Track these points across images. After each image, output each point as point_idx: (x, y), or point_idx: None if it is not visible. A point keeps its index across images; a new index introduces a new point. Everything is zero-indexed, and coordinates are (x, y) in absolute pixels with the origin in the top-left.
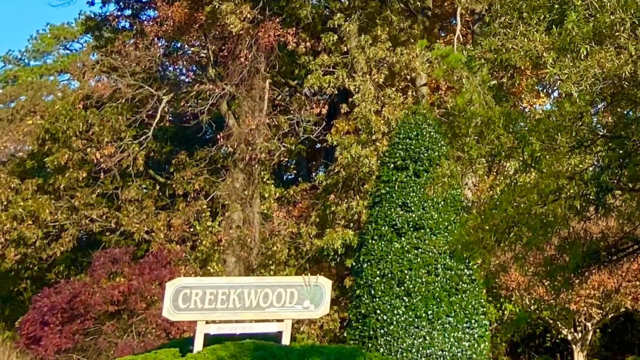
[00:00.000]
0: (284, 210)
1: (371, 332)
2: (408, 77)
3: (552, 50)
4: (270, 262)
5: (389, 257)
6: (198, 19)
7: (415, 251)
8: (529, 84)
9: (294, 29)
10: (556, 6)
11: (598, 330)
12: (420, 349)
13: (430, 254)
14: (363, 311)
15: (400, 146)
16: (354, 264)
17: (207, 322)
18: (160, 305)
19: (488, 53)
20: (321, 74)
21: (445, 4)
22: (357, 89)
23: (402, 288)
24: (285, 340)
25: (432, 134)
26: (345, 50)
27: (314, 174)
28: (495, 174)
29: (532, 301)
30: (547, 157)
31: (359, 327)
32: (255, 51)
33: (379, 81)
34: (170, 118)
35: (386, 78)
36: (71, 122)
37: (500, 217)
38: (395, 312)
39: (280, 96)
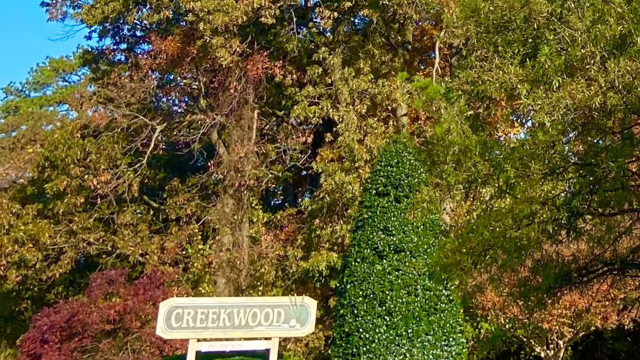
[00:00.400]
0: (272, 234)
1: (354, 350)
2: (389, 107)
3: (526, 82)
4: (258, 283)
5: (371, 278)
6: (190, 53)
7: (396, 273)
8: (504, 114)
9: (281, 62)
10: (530, 40)
11: (569, 348)
12: None
13: (410, 275)
14: (347, 330)
15: (381, 173)
16: (338, 284)
17: (198, 340)
18: (154, 324)
19: (465, 85)
20: (307, 104)
21: (425, 38)
22: (340, 119)
23: (384, 308)
24: (273, 357)
25: (412, 161)
26: (330, 82)
27: (299, 199)
28: (472, 199)
29: (507, 320)
30: (521, 183)
31: (343, 345)
32: (244, 83)
33: (361, 111)
34: (163, 146)
35: (368, 108)
36: (69, 151)
37: (477, 240)
38: (377, 330)
39: (268, 126)
